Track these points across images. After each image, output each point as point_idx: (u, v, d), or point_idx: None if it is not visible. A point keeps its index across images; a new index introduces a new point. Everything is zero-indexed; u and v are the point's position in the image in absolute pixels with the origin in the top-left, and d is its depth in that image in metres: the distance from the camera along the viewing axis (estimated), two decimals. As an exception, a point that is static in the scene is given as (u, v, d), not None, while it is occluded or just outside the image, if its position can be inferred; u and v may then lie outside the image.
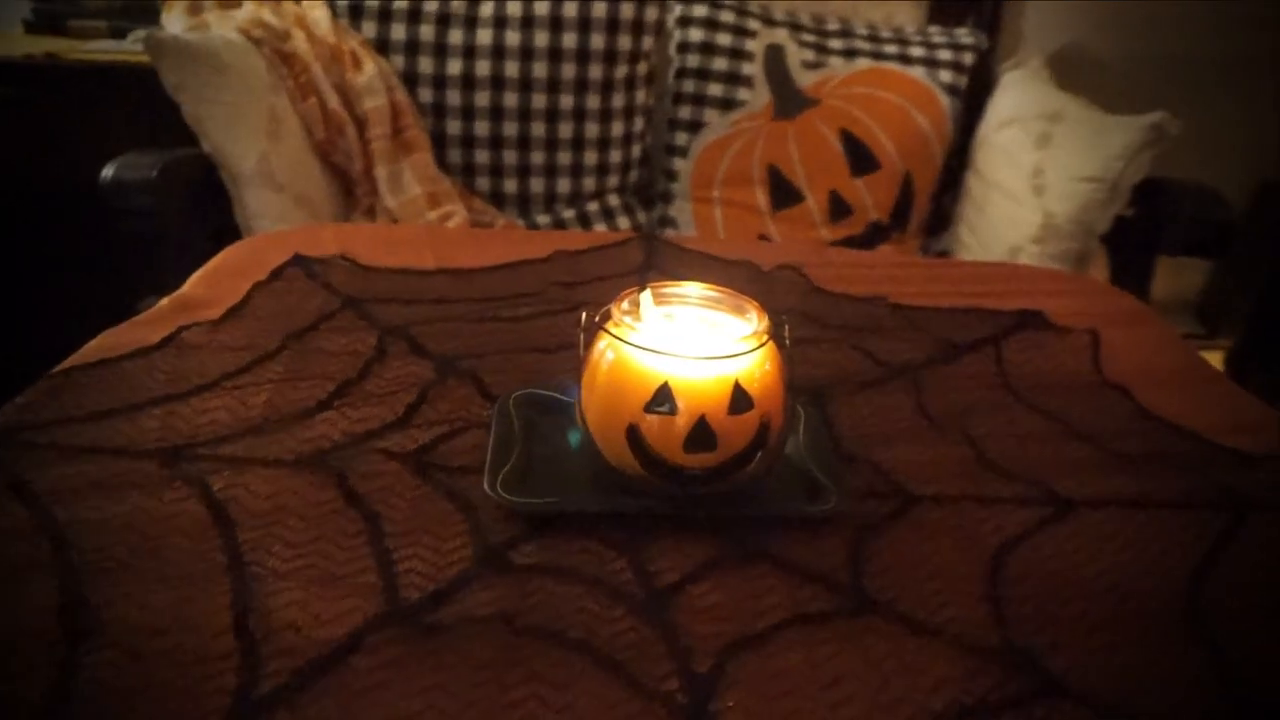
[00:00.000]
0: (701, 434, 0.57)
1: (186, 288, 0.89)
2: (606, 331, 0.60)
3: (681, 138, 1.78)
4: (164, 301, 0.86)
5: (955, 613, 0.54)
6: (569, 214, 1.76)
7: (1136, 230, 1.58)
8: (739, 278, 0.96)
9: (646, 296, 0.62)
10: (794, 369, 0.61)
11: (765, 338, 0.60)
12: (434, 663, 0.48)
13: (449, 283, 0.92)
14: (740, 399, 0.57)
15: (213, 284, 0.91)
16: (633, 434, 0.58)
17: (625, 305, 0.61)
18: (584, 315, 0.60)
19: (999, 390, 0.78)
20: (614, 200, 1.80)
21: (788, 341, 0.61)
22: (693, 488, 0.59)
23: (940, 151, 1.76)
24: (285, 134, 1.52)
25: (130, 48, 1.66)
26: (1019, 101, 1.71)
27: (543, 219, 1.75)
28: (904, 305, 0.92)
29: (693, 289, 0.64)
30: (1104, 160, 1.51)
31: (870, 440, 0.70)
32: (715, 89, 1.74)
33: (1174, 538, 0.62)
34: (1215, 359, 2.00)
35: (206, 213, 1.43)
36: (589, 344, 0.61)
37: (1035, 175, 1.59)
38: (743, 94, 1.74)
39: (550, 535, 0.58)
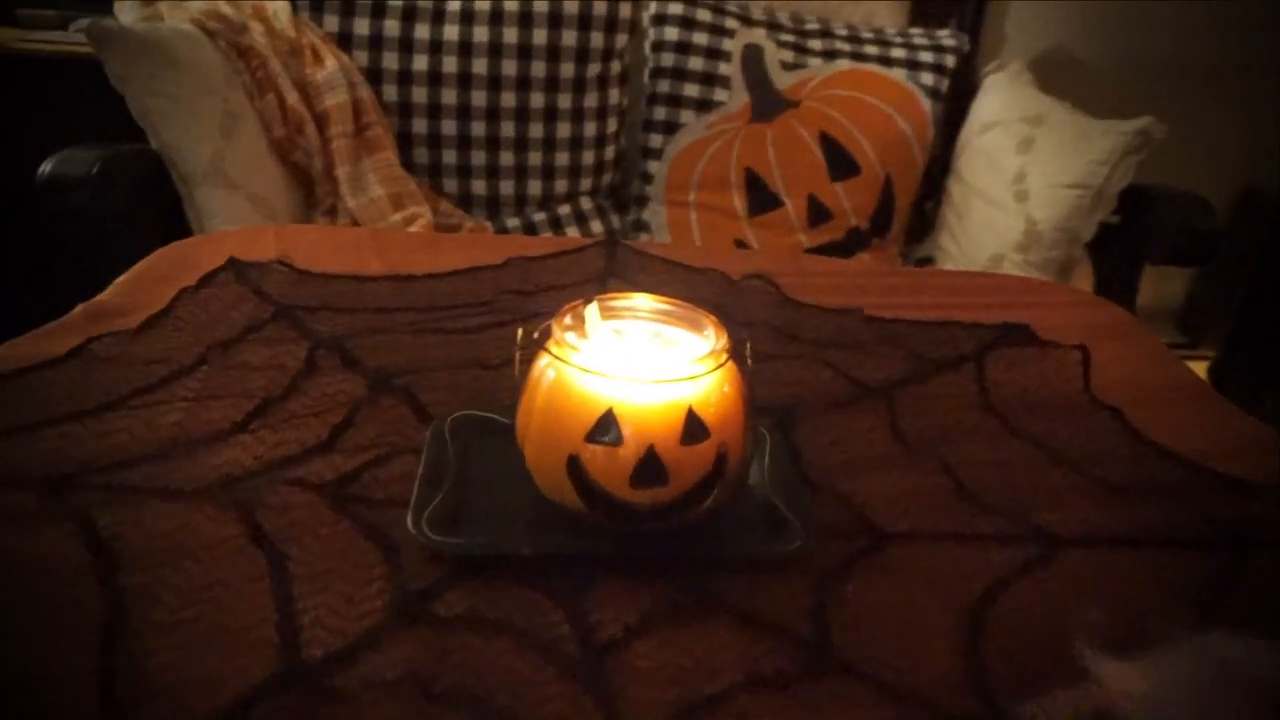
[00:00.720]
0: (650, 467, 0.51)
1: (106, 294, 0.82)
2: (545, 350, 0.53)
3: (656, 139, 1.72)
4: (78, 309, 0.79)
5: (931, 674, 0.48)
6: (540, 217, 1.69)
7: (1122, 238, 1.53)
8: (706, 287, 0.90)
9: (592, 310, 0.55)
10: (759, 388, 0.54)
11: (724, 357, 0.53)
12: (330, 737, 0.42)
13: (393, 290, 0.86)
14: (694, 427, 0.51)
15: (135, 290, 0.84)
16: (574, 466, 0.52)
17: (568, 320, 0.55)
18: (520, 332, 0.54)
19: (980, 411, 0.72)
20: (587, 203, 1.74)
21: (749, 361, 0.55)
22: (641, 526, 0.53)
23: (921, 156, 1.71)
24: (241, 131, 1.45)
25: (75, 38, 1.58)
26: (1001, 105, 1.66)
27: (513, 222, 1.68)
28: (880, 318, 0.86)
29: (643, 302, 0.58)
30: (1088, 165, 1.47)
31: (839, 469, 0.64)
32: (691, 89, 1.68)
33: (1170, 581, 0.56)
34: (1199, 369, 1.96)
35: (153, 213, 1.35)
36: (527, 363, 0.55)
37: (1018, 181, 1.54)
38: (720, 95, 1.68)
39: (480, 581, 0.52)
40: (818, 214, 1.71)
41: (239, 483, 0.58)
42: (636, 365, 0.52)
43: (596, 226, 1.73)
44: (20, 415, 0.63)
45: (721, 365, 0.53)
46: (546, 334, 0.54)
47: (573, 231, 1.70)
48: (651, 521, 0.52)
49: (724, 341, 0.54)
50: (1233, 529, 0.60)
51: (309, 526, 0.55)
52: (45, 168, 1.26)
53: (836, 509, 0.60)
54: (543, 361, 0.54)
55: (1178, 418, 0.73)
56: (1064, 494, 0.63)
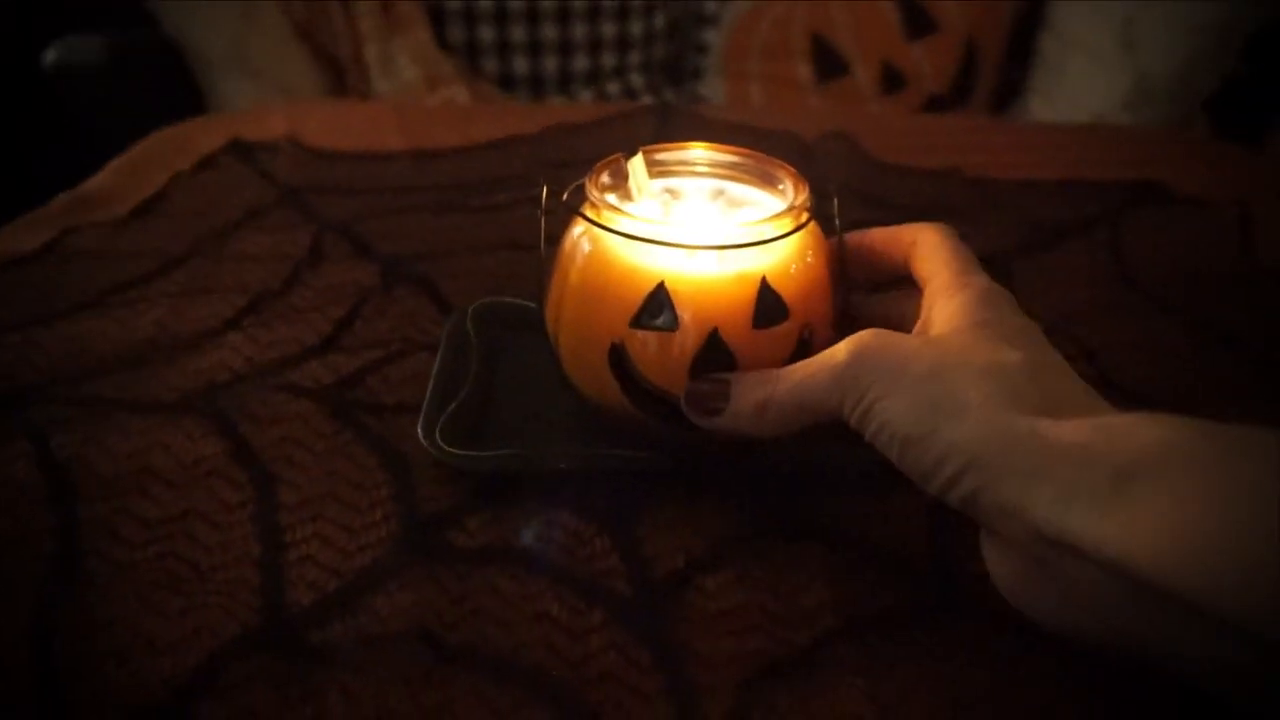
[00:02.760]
0: (714, 356, 0.40)
1: (92, 181, 0.73)
2: (579, 214, 0.42)
3: (711, 5, 1.57)
4: (59, 197, 0.70)
5: (1089, 614, 0.37)
6: (587, 95, 1.56)
7: (1248, 90, 1.34)
8: (775, 150, 0.77)
9: (638, 164, 0.43)
10: (848, 261, 0.43)
11: (805, 216, 0.41)
12: (313, 710, 0.33)
13: (413, 167, 0.74)
14: (769, 305, 0.40)
15: (126, 176, 0.74)
16: (617, 357, 0.41)
17: (606, 178, 0.43)
18: (544, 191, 0.42)
19: (1117, 286, 0.59)
20: (637, 79, 1.60)
21: (838, 222, 0.43)
22: (705, 432, 0.42)
23: (1009, 8, 1.52)
24: (260, 13, 1.33)
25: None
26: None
27: (558, 102, 1.55)
28: (984, 179, 0.72)
29: (701, 153, 0.46)
30: (1210, 5, 1.27)
31: (950, 356, 0.52)
32: (749, -55, 1.51)
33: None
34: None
35: (169, 106, 1.26)
36: (554, 233, 0.43)
37: (1126, 27, 1.35)
38: (780, -52, 1.51)
39: (506, 504, 0.42)
40: (892, 80, 1.54)
41: (224, 390, 0.49)
42: (694, 229, 0.40)
43: (649, 103, 1.59)
44: (-21, 319, 0.54)
45: (803, 226, 0.41)
46: (580, 197, 0.42)
47: (623, 110, 1.57)
48: (718, 426, 0.42)
49: (805, 197, 0.42)
50: None
51: (303, 440, 0.45)
52: (49, 55, 1.16)
53: (949, 405, 0.48)
54: (576, 230, 0.42)
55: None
56: (1234, 384, 0.50)
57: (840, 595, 0.38)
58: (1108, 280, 0.59)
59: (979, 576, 0.38)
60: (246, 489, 0.42)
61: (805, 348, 0.41)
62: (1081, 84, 1.42)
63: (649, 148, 0.45)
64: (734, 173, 0.46)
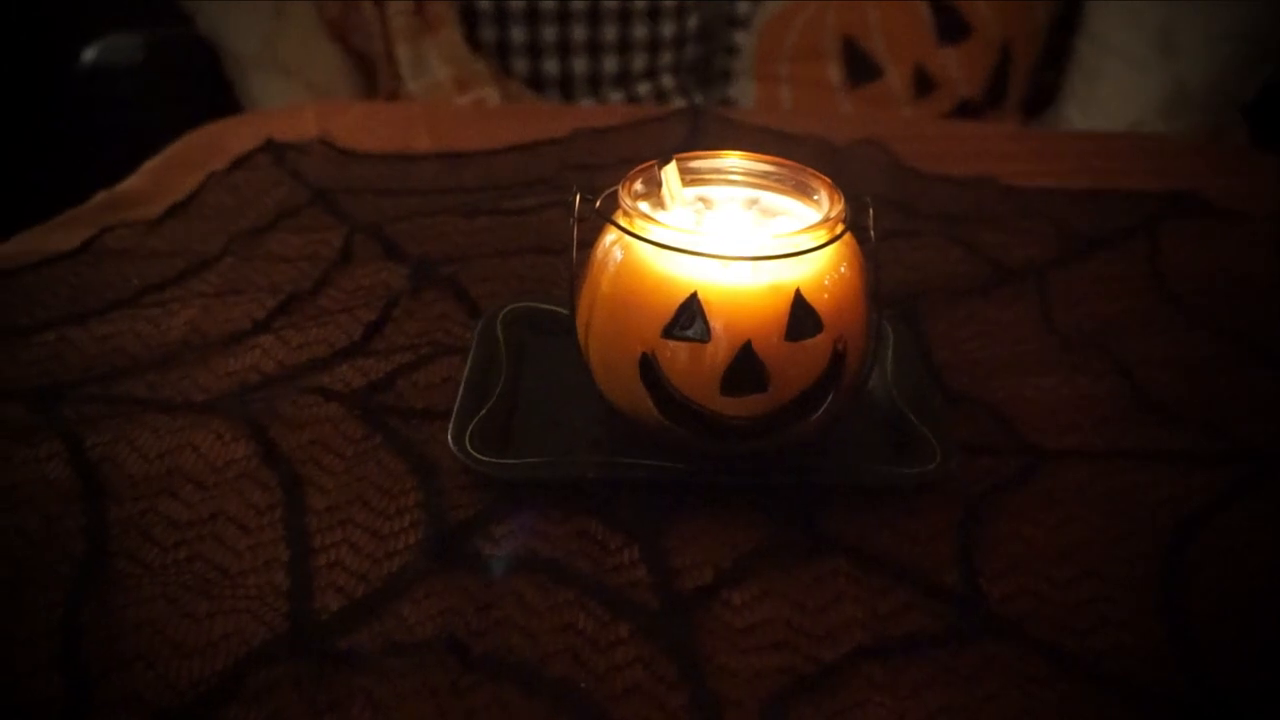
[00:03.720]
0: (746, 368, 0.39)
1: (129, 181, 0.74)
2: (611, 222, 0.42)
3: (743, 7, 1.56)
4: (97, 197, 0.70)
5: (1117, 637, 0.36)
6: (617, 97, 1.56)
7: (1288, 98, 1.31)
8: (806, 157, 0.77)
9: (671, 172, 0.43)
10: (879, 272, 0.42)
11: (840, 228, 0.41)
12: (338, 718, 0.33)
13: (443, 168, 0.75)
14: (803, 317, 0.39)
15: (161, 176, 0.75)
16: (648, 368, 0.41)
17: (640, 186, 0.43)
18: (577, 199, 0.42)
19: (1154, 297, 0.58)
20: (668, 81, 1.60)
21: (872, 233, 0.42)
22: (735, 444, 0.42)
23: (1044, 12, 1.50)
24: (292, 12, 1.34)
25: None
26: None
27: (588, 103, 1.55)
28: (1019, 187, 0.72)
29: (735, 162, 0.45)
30: (1251, 11, 1.25)
31: (982, 370, 0.51)
32: (781, -54, 1.50)
33: None
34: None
35: (204, 104, 1.26)
36: (588, 241, 0.43)
37: (1163, 33, 1.33)
38: (813, -50, 1.50)
39: (534, 512, 0.42)
40: (924, 84, 1.53)
41: (255, 392, 0.49)
42: (727, 239, 0.40)
43: (679, 105, 1.58)
44: (14, 317, 0.54)
45: (838, 238, 0.41)
46: (612, 204, 0.42)
47: (653, 112, 1.57)
48: (748, 438, 0.41)
49: (840, 208, 0.42)
50: None
51: (332, 444, 0.45)
52: (87, 55, 1.18)
53: (981, 421, 0.47)
54: (608, 238, 0.42)
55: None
56: (1272, 399, 0.49)
57: (868, 613, 0.37)
58: (1143, 292, 0.58)
59: (1009, 598, 0.38)
60: (275, 492, 0.43)
61: (840, 360, 0.41)
62: (1117, 90, 1.40)
63: (682, 155, 0.44)
64: (768, 182, 0.45)
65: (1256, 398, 0.50)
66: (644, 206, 0.42)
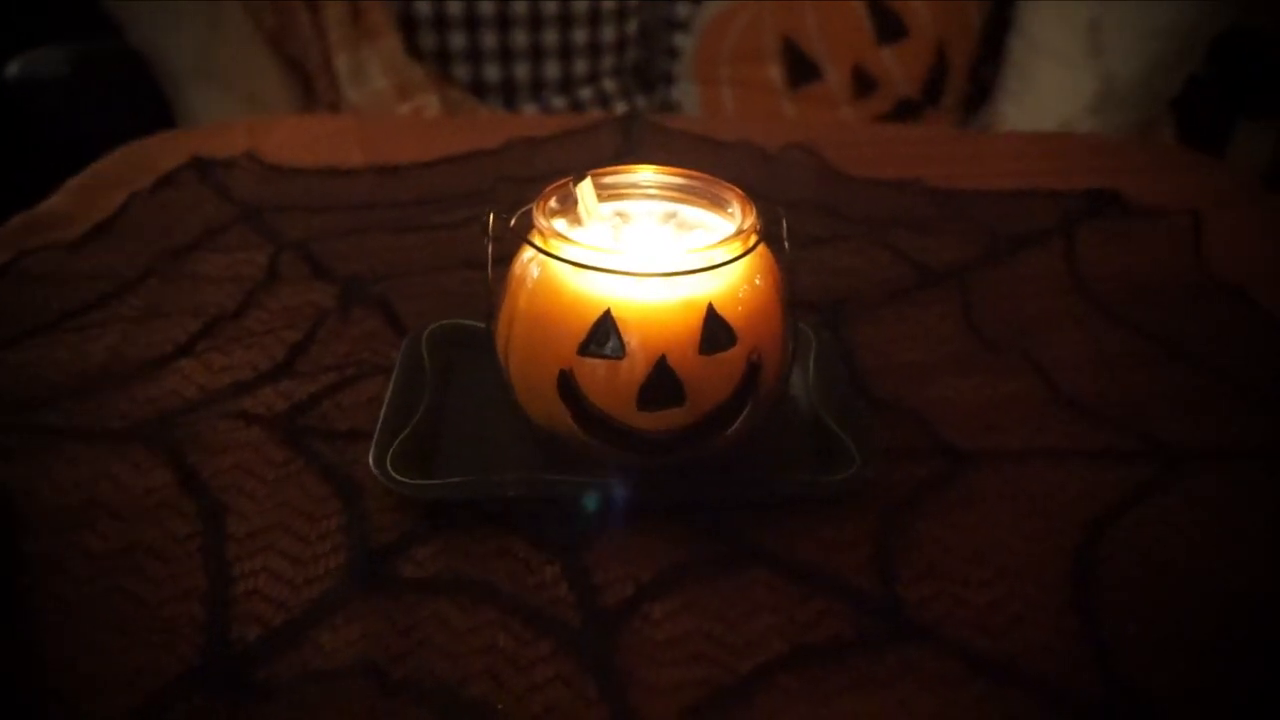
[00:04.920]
0: (662, 382, 0.40)
1: (49, 202, 0.72)
2: (526, 241, 0.42)
3: (683, 10, 1.57)
4: (16, 219, 0.69)
5: (1033, 638, 0.37)
6: (560, 101, 1.56)
7: (1212, 92, 1.35)
8: (737, 163, 0.78)
9: (586, 189, 0.43)
10: (803, 278, 0.43)
11: (753, 240, 0.41)
12: (254, 751, 0.33)
13: (374, 183, 0.74)
14: (716, 330, 0.40)
15: (83, 195, 0.73)
16: (566, 384, 0.41)
17: (555, 203, 0.43)
18: (491, 218, 0.42)
19: (1073, 297, 0.60)
20: (610, 84, 1.60)
21: (786, 243, 0.43)
22: (653, 458, 0.42)
23: (978, 11, 1.52)
24: (227, 22, 1.32)
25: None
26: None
27: (531, 109, 1.55)
28: (945, 189, 0.73)
29: (651, 177, 0.46)
30: (1175, 9, 1.28)
31: (904, 374, 0.52)
32: (719, -51, 1.51)
33: (1332, 503, 0.44)
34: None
35: (136, 119, 1.24)
36: (502, 258, 0.43)
37: (1092, 32, 1.36)
38: (751, -47, 1.51)
39: (456, 532, 0.42)
40: (864, 84, 1.54)
41: (175, 418, 0.48)
42: (641, 255, 0.40)
43: (621, 109, 1.59)
44: (-72, 346, 0.53)
45: (751, 250, 0.41)
46: (523, 222, 0.42)
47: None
48: (666, 452, 0.42)
49: (753, 220, 0.42)
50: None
51: (253, 469, 0.45)
52: (11, 69, 1.15)
53: (903, 425, 0.48)
54: (525, 255, 0.42)
55: (1315, 297, 0.60)
56: (1187, 397, 0.51)
57: (786, 622, 0.38)
58: (1062, 292, 0.60)
59: (925, 601, 0.39)
60: (195, 521, 0.42)
61: (755, 372, 0.41)
62: (1049, 87, 1.43)
63: (598, 171, 0.45)
64: (685, 195, 0.46)
65: (1170, 395, 0.51)
66: (561, 223, 0.42)
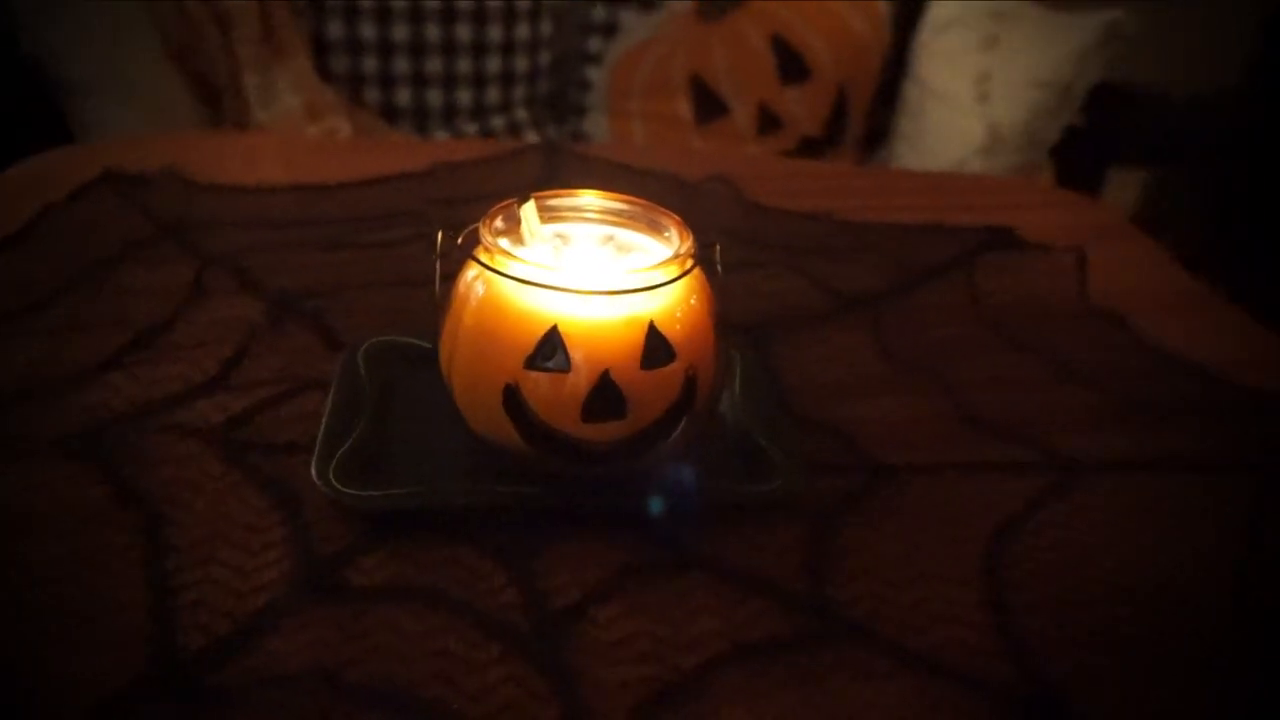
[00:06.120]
0: (605, 396, 0.42)
1: (-46, 213, 0.70)
2: (474, 259, 0.43)
3: (595, 43, 1.60)
4: (-81, 232, 0.66)
5: (952, 632, 0.40)
6: (471, 129, 1.57)
7: (1087, 141, 1.45)
8: (658, 192, 0.80)
9: (530, 210, 0.45)
10: (727, 302, 0.45)
11: (690, 263, 0.44)
12: (210, 755, 0.33)
13: (299, 202, 0.74)
14: (657, 346, 0.42)
15: (-9, 208, 0.71)
16: (511, 398, 0.42)
17: (500, 223, 0.45)
18: (439, 237, 0.44)
19: (974, 324, 0.64)
20: (522, 114, 1.62)
21: (719, 267, 0.46)
22: (597, 468, 0.44)
23: (878, 58, 1.60)
24: (133, 35, 1.29)
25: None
26: (963, 2, 1.55)
27: (442, 135, 1.55)
28: (855, 222, 0.77)
29: (591, 200, 0.48)
30: (1055, 63, 1.38)
31: (825, 393, 0.55)
32: (632, -14, 1.55)
33: (1210, 509, 0.49)
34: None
35: (29, 131, 1.20)
36: (450, 276, 0.45)
37: (980, 81, 1.45)
38: (663, -9, 1.55)
39: (403, 541, 0.43)
40: (768, 122, 1.60)
41: (107, 431, 0.48)
42: (585, 274, 0.42)
43: (533, 139, 1.61)
44: None
45: (688, 272, 0.44)
46: (473, 240, 0.44)
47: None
48: (609, 462, 0.43)
49: (689, 245, 0.45)
50: (1271, 447, 0.54)
51: (192, 482, 0.45)
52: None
53: (825, 440, 0.51)
54: (470, 273, 0.44)
55: (1187, 326, 0.66)
56: (1077, 413, 0.55)
57: (725, 623, 0.40)
58: (965, 320, 0.64)
59: (854, 601, 0.41)
60: (134, 533, 0.42)
61: (692, 386, 0.43)
62: (941, 131, 1.51)
63: (540, 194, 0.46)
64: (622, 219, 0.48)
65: (1063, 412, 0.56)
66: (504, 243, 0.44)
